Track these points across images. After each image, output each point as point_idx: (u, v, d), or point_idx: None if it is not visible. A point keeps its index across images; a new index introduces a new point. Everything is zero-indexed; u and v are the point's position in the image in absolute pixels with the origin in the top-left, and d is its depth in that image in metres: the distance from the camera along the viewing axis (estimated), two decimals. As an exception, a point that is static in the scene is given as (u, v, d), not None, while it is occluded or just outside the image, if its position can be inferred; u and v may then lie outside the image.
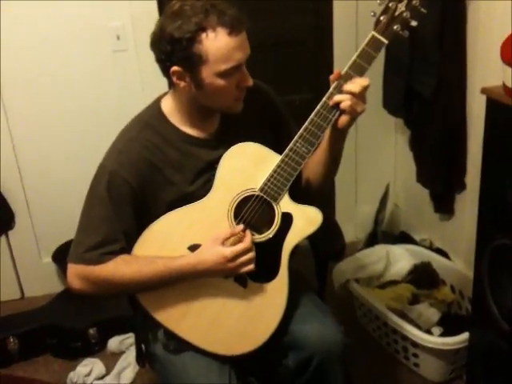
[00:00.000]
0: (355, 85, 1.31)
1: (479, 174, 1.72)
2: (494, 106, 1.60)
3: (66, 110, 2.56)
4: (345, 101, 1.32)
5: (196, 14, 1.26)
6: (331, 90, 1.34)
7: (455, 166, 2.35)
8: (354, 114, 1.34)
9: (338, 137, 1.42)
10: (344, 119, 1.35)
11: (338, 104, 1.33)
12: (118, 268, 1.37)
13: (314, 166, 1.52)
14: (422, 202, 2.70)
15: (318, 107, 1.35)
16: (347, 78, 1.33)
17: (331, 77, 1.35)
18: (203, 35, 1.26)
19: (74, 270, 1.40)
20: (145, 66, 2.46)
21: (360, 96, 1.32)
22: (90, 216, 1.40)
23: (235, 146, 1.40)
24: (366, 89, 1.33)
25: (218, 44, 1.26)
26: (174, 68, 1.31)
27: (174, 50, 1.28)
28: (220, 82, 1.31)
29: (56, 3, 2.39)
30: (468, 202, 2.32)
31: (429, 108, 2.35)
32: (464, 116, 2.26)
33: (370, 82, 1.33)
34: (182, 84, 1.34)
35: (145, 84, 2.52)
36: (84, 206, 1.41)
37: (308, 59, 2.75)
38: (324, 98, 1.34)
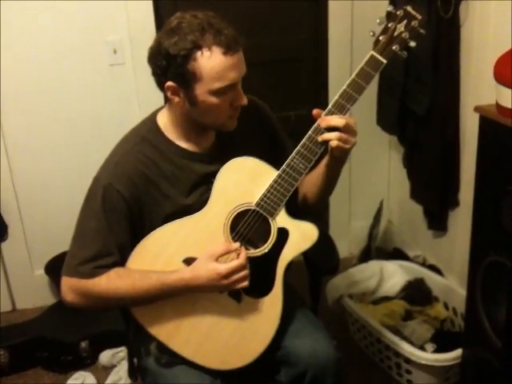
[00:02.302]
0: (341, 119, 1.33)
1: (472, 190, 1.74)
2: (487, 124, 1.62)
3: (62, 123, 2.56)
4: (332, 139, 1.33)
5: (192, 32, 1.27)
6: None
7: (449, 183, 2.37)
8: (344, 151, 1.36)
9: (335, 164, 1.44)
10: (336, 154, 1.38)
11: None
12: (112, 282, 1.36)
13: (310, 186, 1.54)
14: (415, 219, 2.71)
15: (315, 125, 1.37)
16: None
17: (314, 113, 1.37)
18: (198, 53, 1.27)
19: (67, 282, 1.40)
20: (141, 80, 2.47)
21: (347, 130, 1.34)
22: (84, 229, 1.40)
23: (233, 160, 1.40)
24: (351, 124, 1.35)
25: (213, 63, 1.27)
26: (169, 83, 1.32)
27: (169, 65, 1.30)
28: (213, 99, 1.32)
29: (53, 17, 2.41)
30: (461, 219, 2.34)
31: (423, 126, 2.37)
32: (457, 134, 2.29)
33: (354, 119, 1.35)
34: (176, 99, 1.35)
35: (141, 98, 2.53)
36: (78, 219, 1.41)
37: (304, 76, 2.77)
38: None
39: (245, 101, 1.37)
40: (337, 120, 1.33)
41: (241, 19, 2.49)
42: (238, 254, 1.35)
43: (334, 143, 1.33)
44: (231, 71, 1.29)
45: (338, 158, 1.41)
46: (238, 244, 1.37)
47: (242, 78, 1.34)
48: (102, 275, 1.37)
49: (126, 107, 2.56)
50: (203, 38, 1.26)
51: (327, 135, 1.34)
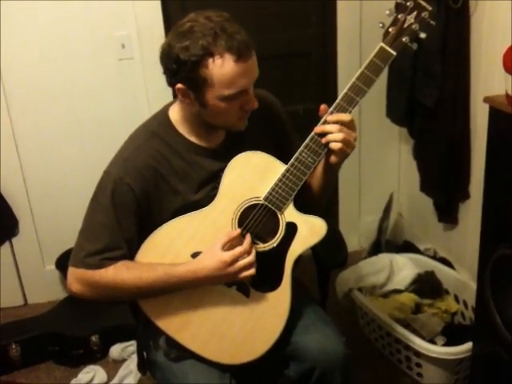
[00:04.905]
0: (344, 115, 1.33)
1: (483, 183, 1.72)
2: (496, 114, 1.60)
3: (72, 119, 2.57)
4: (337, 141, 1.33)
5: (205, 37, 1.24)
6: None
7: (459, 176, 2.35)
8: (344, 153, 1.36)
9: (330, 169, 1.44)
10: (334, 158, 1.37)
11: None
12: (119, 273, 1.37)
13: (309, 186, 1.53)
14: (425, 212, 2.69)
15: (323, 120, 1.36)
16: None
17: (321, 109, 1.36)
18: (210, 60, 1.25)
19: (74, 273, 1.40)
20: (150, 74, 2.48)
21: (350, 127, 1.34)
22: (93, 222, 1.40)
23: (240, 154, 1.40)
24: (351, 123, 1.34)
25: (224, 70, 1.26)
26: (179, 85, 1.32)
27: (179, 69, 1.29)
28: (223, 104, 1.31)
29: (61, 12, 2.41)
30: (472, 212, 2.32)
31: (432, 118, 2.35)
32: (467, 125, 2.27)
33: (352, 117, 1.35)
34: (187, 101, 1.35)
35: (150, 92, 2.53)
36: (87, 212, 1.42)
37: (313, 70, 2.76)
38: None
39: (255, 105, 1.36)
40: (331, 127, 1.34)
41: (250, 13, 2.52)
42: (242, 241, 1.35)
43: (336, 145, 1.33)
44: (242, 78, 1.28)
45: (333, 164, 1.39)
46: (239, 230, 1.36)
47: (254, 82, 1.33)
48: (109, 266, 1.37)
49: (135, 101, 2.56)
50: (215, 43, 1.24)
51: (331, 136, 1.34)
